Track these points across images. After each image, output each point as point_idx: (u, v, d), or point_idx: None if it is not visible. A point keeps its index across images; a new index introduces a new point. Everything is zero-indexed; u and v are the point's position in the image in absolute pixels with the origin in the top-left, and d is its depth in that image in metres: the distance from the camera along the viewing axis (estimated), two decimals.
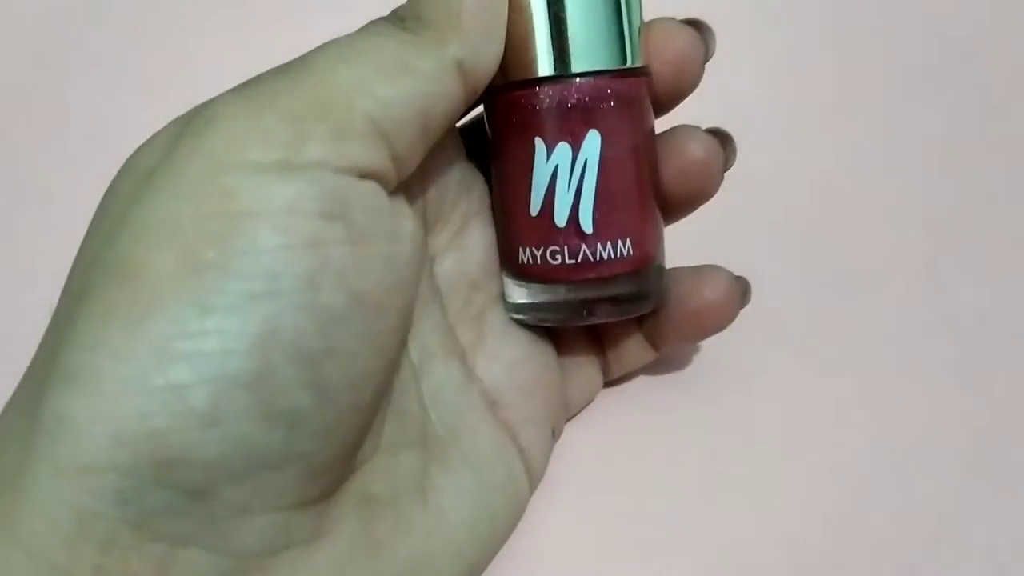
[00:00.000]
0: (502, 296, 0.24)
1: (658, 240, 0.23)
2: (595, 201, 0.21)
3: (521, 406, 0.23)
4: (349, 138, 0.17)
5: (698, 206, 0.24)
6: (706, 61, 0.23)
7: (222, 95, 0.18)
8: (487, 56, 0.19)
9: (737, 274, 0.24)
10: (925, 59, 0.34)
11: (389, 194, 0.18)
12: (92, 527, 0.15)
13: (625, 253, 0.22)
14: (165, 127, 0.18)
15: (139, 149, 0.18)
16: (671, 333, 0.25)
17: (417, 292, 0.20)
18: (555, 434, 0.24)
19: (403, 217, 0.19)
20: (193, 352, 0.15)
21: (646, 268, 0.22)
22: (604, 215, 0.21)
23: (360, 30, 0.19)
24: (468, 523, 0.20)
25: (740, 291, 0.24)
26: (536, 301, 0.23)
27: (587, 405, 0.26)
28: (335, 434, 0.17)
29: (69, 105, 0.34)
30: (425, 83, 0.18)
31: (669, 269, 0.24)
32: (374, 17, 0.20)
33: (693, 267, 0.24)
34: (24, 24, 0.36)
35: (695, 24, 0.22)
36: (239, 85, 0.18)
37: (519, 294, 0.23)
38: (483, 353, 0.23)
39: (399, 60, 0.18)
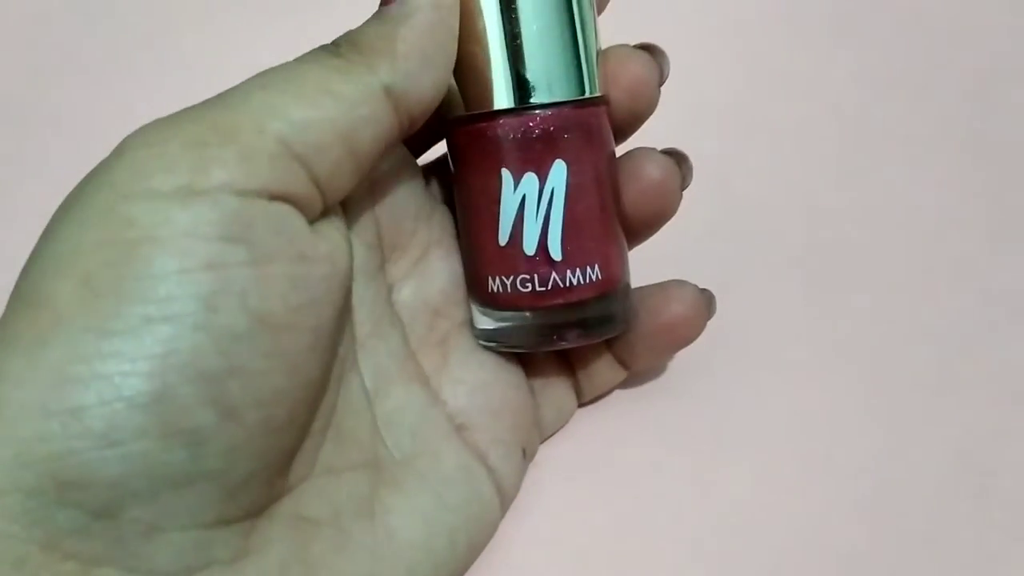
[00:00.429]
0: (469, 323, 0.24)
1: (624, 262, 0.23)
2: (563, 228, 0.21)
3: (489, 428, 0.23)
4: (257, 160, 0.17)
5: (659, 227, 0.24)
6: (661, 84, 0.23)
7: (140, 127, 0.18)
8: (423, 83, 0.19)
9: (702, 287, 0.25)
10: (895, 64, 0.35)
11: (316, 217, 0.19)
12: (3, 548, 0.15)
13: (593, 278, 0.22)
14: None
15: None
16: (641, 351, 0.25)
17: (340, 312, 0.20)
18: (527, 454, 0.25)
19: (322, 239, 0.19)
20: (89, 375, 0.15)
21: (614, 290, 0.23)
22: (572, 242, 0.22)
23: (295, 59, 0.19)
24: (422, 543, 0.21)
25: (706, 303, 0.25)
26: (505, 326, 0.23)
27: (562, 426, 0.27)
28: (245, 452, 0.17)
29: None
30: (348, 107, 0.18)
31: (635, 288, 0.24)
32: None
33: (658, 284, 0.25)
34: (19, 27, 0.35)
35: (648, 48, 0.23)
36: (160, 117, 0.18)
37: (488, 321, 0.23)
38: (448, 377, 0.23)
39: (320, 85, 0.18)
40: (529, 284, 0.22)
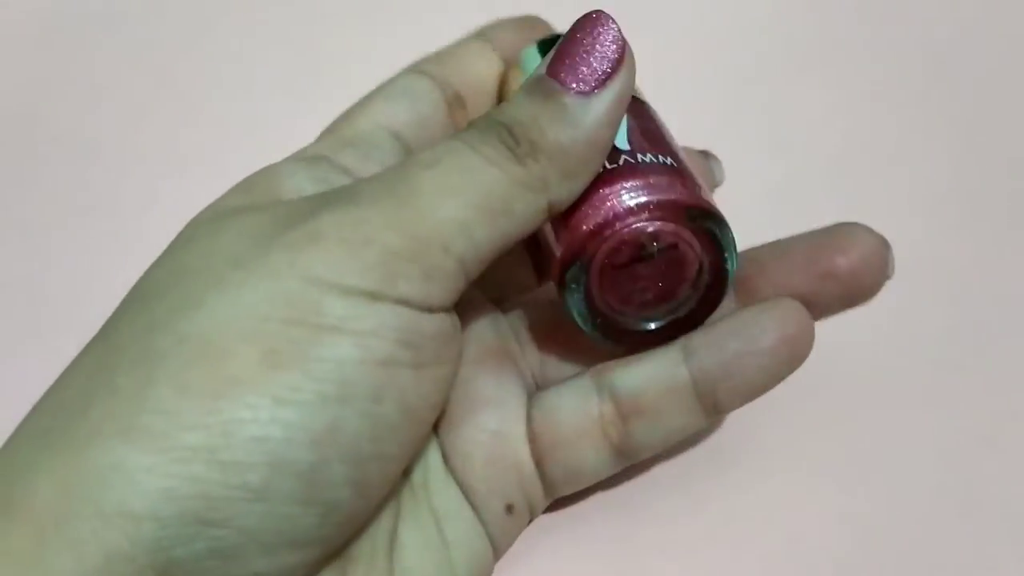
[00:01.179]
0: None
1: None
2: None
3: (470, 472, 0.22)
4: (436, 280, 0.18)
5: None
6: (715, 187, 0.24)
7: (321, 206, 0.18)
8: (573, 198, 0.20)
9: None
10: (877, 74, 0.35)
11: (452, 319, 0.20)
12: (118, 569, 0.16)
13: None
14: (232, 191, 0.21)
15: (212, 222, 0.19)
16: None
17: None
18: (513, 511, 0.22)
19: (457, 342, 0.20)
20: (260, 435, 0.16)
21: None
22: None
23: (471, 142, 0.19)
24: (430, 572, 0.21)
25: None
26: None
27: (584, 486, 0.23)
28: (357, 524, 0.19)
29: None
30: (520, 225, 0.19)
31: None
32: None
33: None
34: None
35: (704, 154, 0.24)
36: (343, 194, 0.19)
37: None
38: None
39: (505, 202, 0.19)
40: None
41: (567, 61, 0.19)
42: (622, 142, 0.21)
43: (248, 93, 0.35)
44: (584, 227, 0.20)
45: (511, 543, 0.23)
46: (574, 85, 0.19)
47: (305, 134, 0.24)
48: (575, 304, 0.21)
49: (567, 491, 0.23)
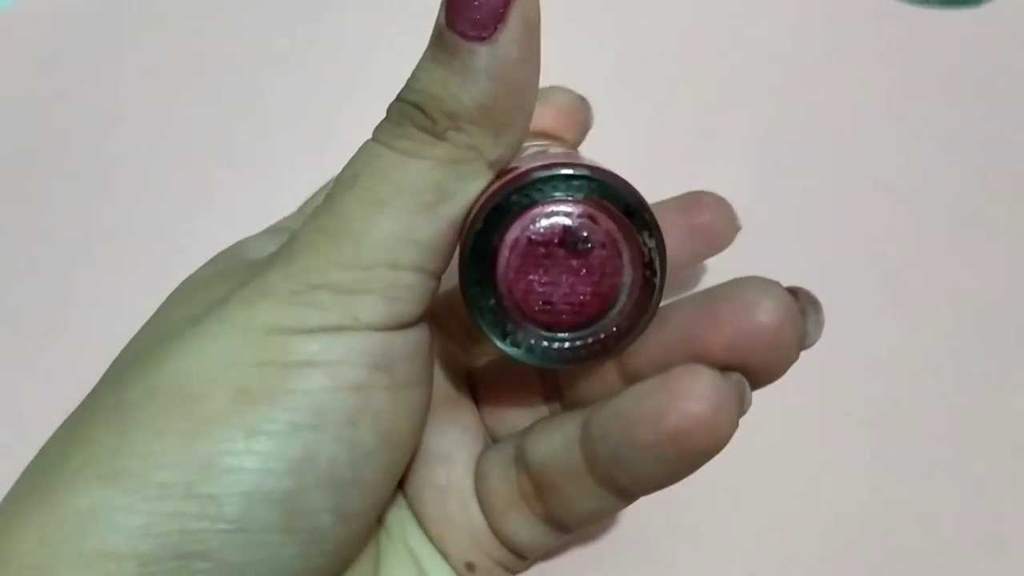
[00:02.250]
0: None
1: None
2: None
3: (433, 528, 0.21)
4: (398, 298, 0.18)
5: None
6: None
7: (270, 263, 0.18)
8: (516, 148, 0.19)
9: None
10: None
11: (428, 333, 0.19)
12: None
13: None
14: (203, 266, 0.21)
15: (182, 292, 0.20)
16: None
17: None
18: (472, 568, 0.21)
19: (431, 359, 0.20)
20: (235, 467, 0.16)
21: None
22: None
23: (385, 140, 0.18)
24: None
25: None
26: None
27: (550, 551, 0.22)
28: (343, 553, 0.19)
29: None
30: (465, 202, 0.18)
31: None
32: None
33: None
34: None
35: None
36: (283, 248, 0.18)
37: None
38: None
39: (438, 191, 0.18)
40: None
41: (458, 6, 0.17)
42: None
43: (267, 121, 0.36)
44: (511, 175, 0.18)
45: None
46: (473, 32, 0.17)
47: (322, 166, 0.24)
48: (475, 270, 0.18)
49: (531, 556, 0.21)
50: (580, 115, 0.26)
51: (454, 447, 0.21)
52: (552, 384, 0.21)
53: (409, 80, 0.18)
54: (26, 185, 0.34)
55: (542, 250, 0.18)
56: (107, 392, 0.18)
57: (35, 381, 0.29)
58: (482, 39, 0.17)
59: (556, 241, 0.18)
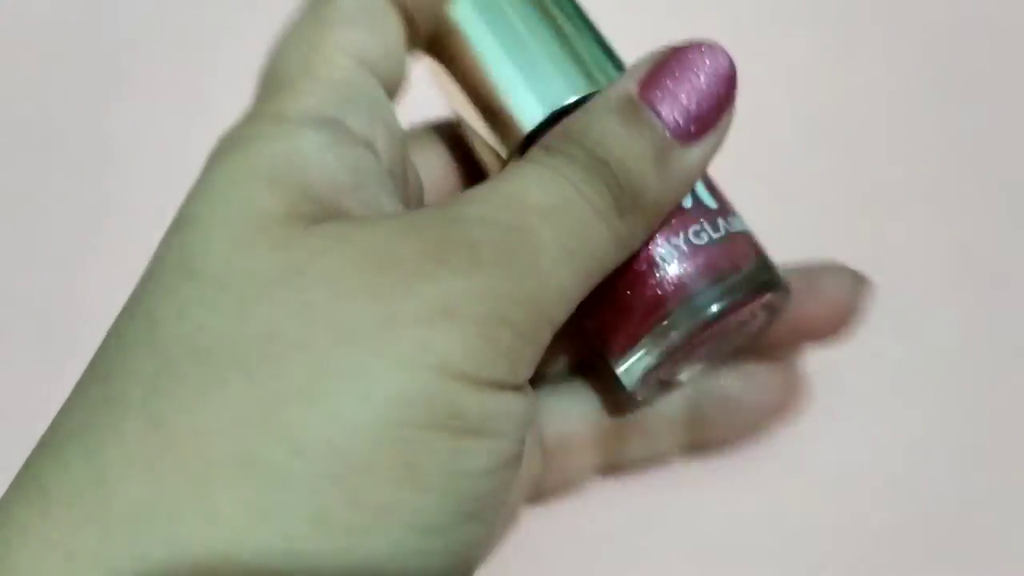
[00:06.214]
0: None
1: None
2: None
3: None
4: (537, 359, 0.16)
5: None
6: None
7: (448, 266, 0.14)
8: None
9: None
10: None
11: None
12: None
13: None
14: (253, 175, 0.16)
15: (261, 227, 0.15)
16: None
17: None
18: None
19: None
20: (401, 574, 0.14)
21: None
22: None
23: (576, 182, 0.16)
24: None
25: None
26: None
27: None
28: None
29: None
30: (600, 279, 0.16)
31: None
32: None
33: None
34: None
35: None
36: (457, 243, 0.15)
37: None
38: None
39: (604, 266, 0.16)
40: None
41: (666, 85, 0.15)
42: (709, 198, 0.18)
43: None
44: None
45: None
46: (673, 121, 0.15)
47: None
48: (640, 365, 0.18)
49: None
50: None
51: None
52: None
53: (591, 131, 0.16)
54: (25, 180, 0.34)
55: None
56: (223, 422, 0.13)
57: (33, 379, 0.29)
58: (684, 136, 0.15)
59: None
